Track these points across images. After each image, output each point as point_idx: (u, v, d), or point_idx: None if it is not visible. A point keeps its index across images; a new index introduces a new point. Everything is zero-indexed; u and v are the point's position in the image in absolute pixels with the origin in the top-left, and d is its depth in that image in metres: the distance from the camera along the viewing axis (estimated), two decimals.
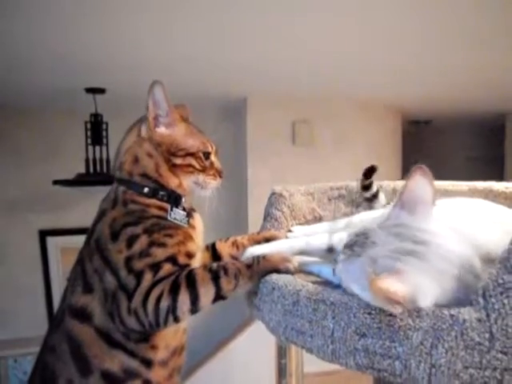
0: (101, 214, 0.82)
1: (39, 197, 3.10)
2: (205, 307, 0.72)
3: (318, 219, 0.96)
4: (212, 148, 0.86)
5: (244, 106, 3.02)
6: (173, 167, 0.81)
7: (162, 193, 0.80)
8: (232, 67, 2.21)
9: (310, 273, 0.73)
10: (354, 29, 1.67)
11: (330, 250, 0.72)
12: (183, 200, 0.83)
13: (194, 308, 0.71)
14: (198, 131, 0.87)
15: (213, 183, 0.85)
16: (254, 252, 0.76)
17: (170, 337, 0.81)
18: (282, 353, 1.04)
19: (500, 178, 0.94)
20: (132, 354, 0.77)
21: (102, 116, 2.68)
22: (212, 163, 0.86)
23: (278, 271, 0.69)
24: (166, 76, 2.50)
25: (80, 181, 2.69)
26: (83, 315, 0.78)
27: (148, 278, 0.72)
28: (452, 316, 0.47)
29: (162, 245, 0.75)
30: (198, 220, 0.87)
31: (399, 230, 0.53)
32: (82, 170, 2.67)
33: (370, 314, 0.51)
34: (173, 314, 0.71)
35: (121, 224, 0.77)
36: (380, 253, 0.52)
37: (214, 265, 0.73)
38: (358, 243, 0.55)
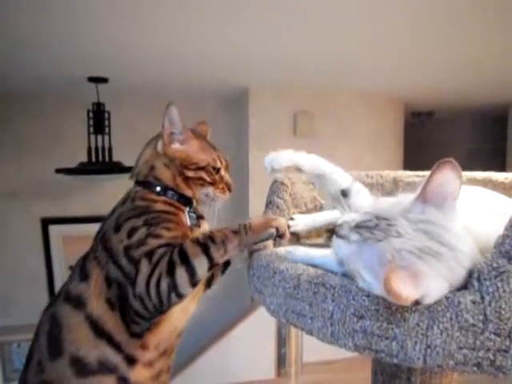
0: (111, 212, 0.87)
1: (41, 185, 3.11)
2: (203, 277, 0.77)
3: (319, 208, 0.97)
4: (222, 163, 0.92)
5: (246, 96, 3.02)
6: (185, 179, 0.88)
7: (171, 192, 0.87)
8: (234, 58, 2.21)
9: (312, 265, 0.70)
10: (356, 20, 1.67)
11: None
12: (194, 203, 0.90)
13: (193, 280, 0.75)
14: (211, 147, 0.93)
15: (222, 196, 0.91)
16: (301, 220, 0.84)
17: (163, 337, 0.83)
18: (281, 342, 1.05)
19: (502, 169, 0.95)
20: (118, 347, 0.79)
21: (104, 105, 2.68)
22: (222, 177, 0.92)
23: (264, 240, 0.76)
24: (168, 66, 2.52)
25: (82, 169, 2.70)
26: (77, 302, 0.81)
27: (145, 264, 0.76)
28: (447, 298, 0.48)
29: (158, 236, 0.79)
30: (204, 226, 0.92)
31: (427, 228, 0.51)
32: (84, 158, 2.68)
33: (368, 296, 0.52)
34: (174, 291, 0.75)
35: (125, 218, 0.82)
36: (406, 246, 0.50)
37: (201, 237, 0.78)
38: (380, 228, 0.52)
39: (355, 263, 0.53)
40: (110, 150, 2.70)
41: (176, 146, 0.89)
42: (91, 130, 2.67)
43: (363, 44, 1.98)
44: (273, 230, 0.76)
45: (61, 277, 3.16)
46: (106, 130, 2.68)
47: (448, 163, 0.52)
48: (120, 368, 0.79)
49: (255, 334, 2.80)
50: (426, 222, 0.52)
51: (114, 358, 0.79)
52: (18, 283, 3.14)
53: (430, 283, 0.48)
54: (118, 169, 2.62)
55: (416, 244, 0.50)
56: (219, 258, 0.76)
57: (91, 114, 2.66)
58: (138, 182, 0.90)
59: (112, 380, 0.79)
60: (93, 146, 2.67)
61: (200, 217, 0.93)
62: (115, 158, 2.72)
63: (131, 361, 0.80)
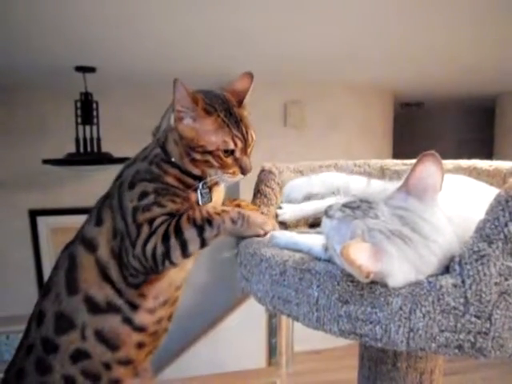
0: (132, 161, 0.90)
1: (29, 176, 3.08)
2: (194, 253, 0.83)
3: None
4: (237, 145, 0.82)
5: None
6: (193, 160, 0.83)
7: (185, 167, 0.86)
8: (224, 47, 2.19)
9: (299, 251, 0.71)
10: (346, 12, 1.66)
11: None
12: (208, 179, 0.86)
13: (185, 254, 0.82)
14: (230, 124, 0.82)
15: (230, 180, 0.85)
16: (289, 209, 0.87)
17: (161, 289, 0.89)
18: (272, 332, 1.06)
19: (489, 159, 0.96)
20: (119, 292, 0.86)
21: (92, 95, 2.65)
22: (236, 160, 0.83)
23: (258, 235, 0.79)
24: (158, 56, 2.48)
25: (70, 160, 2.67)
26: (90, 244, 0.88)
27: (145, 230, 0.82)
28: (429, 282, 0.49)
29: (163, 206, 0.83)
30: (218, 193, 0.92)
31: (404, 213, 0.53)
32: (73, 149, 2.65)
33: (352, 281, 0.53)
34: (168, 259, 0.81)
35: (140, 178, 0.86)
36: (377, 226, 0.52)
37: (199, 218, 0.81)
38: (361, 209, 0.54)
39: (332, 238, 0.55)
40: (98, 140, 2.67)
41: (188, 121, 0.81)
42: (79, 120, 2.63)
43: (353, 35, 1.98)
44: (261, 232, 0.79)
45: (49, 268, 3.13)
46: (94, 120, 2.65)
47: (430, 156, 0.52)
48: (124, 310, 0.87)
49: (246, 324, 2.82)
50: (403, 209, 0.53)
51: (118, 300, 0.86)
52: (6, 275, 3.12)
53: (393, 263, 0.50)
54: (107, 160, 2.60)
55: (388, 226, 0.52)
56: (211, 240, 0.81)
57: (79, 104, 2.62)
58: (159, 145, 0.88)
59: (118, 319, 0.87)
60: (81, 136, 2.64)
61: (215, 184, 0.88)
62: (104, 149, 2.69)
63: (133, 306, 0.87)
